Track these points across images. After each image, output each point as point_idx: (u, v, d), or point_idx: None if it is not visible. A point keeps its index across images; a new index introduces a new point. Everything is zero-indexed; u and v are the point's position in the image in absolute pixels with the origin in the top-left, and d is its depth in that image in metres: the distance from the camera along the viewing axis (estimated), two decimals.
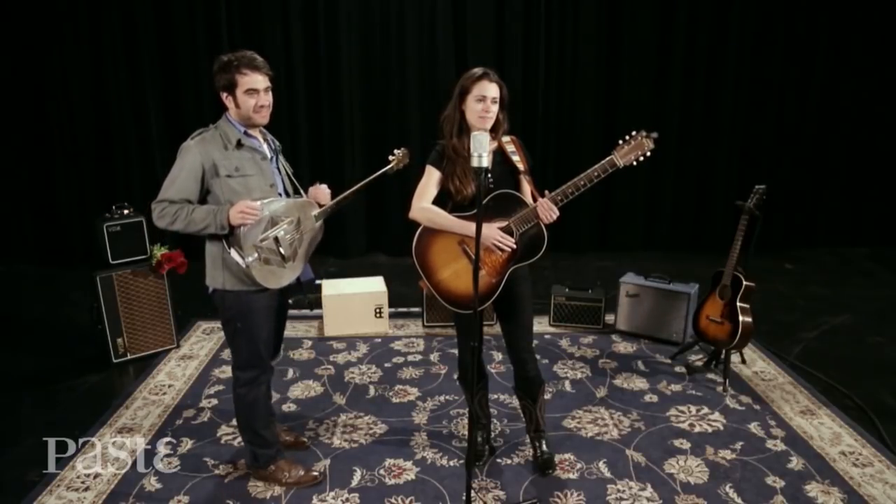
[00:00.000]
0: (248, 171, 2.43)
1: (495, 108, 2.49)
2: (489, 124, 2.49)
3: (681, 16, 5.53)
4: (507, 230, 2.50)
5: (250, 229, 2.38)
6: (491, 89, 2.46)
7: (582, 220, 5.80)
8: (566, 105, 5.69)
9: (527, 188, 2.57)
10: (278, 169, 2.58)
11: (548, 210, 2.44)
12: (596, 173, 2.47)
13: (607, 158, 2.49)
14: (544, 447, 2.86)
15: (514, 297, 2.64)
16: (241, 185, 2.41)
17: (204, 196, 2.43)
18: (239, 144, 2.43)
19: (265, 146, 2.52)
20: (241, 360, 2.58)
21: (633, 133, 2.50)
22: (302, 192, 2.65)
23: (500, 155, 2.58)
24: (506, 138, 2.60)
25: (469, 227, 2.46)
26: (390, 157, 2.82)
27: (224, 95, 2.41)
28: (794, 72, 5.68)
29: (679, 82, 5.66)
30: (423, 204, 2.54)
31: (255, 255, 2.40)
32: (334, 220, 5.44)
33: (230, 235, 2.38)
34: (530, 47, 5.54)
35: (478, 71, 2.50)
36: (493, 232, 2.45)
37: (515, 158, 2.57)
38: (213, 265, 2.49)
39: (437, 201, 2.59)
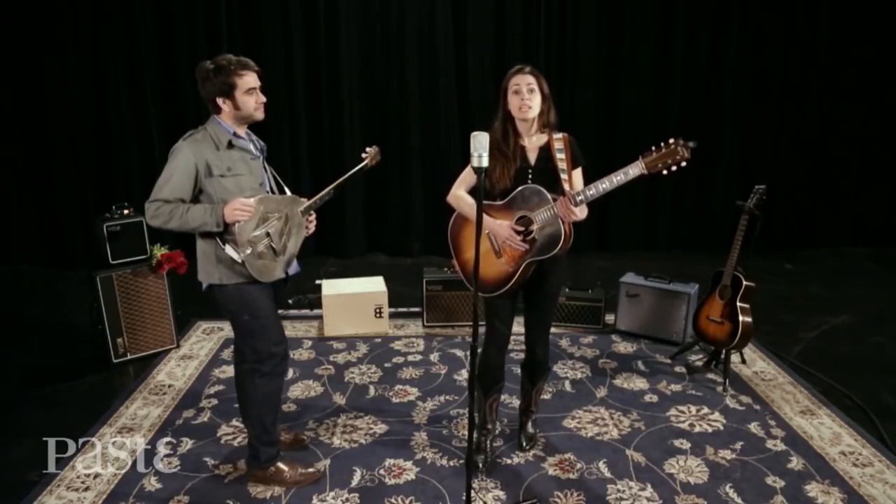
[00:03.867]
0: (240, 170, 2.51)
1: (533, 98, 2.55)
2: (530, 114, 2.56)
3: (681, 15, 5.53)
4: (526, 221, 2.57)
5: (244, 225, 2.45)
6: (524, 79, 2.56)
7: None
8: (566, 105, 5.68)
9: (564, 187, 2.57)
10: (265, 168, 2.64)
11: (566, 210, 2.47)
12: (618, 178, 2.42)
13: (632, 163, 2.40)
14: (529, 427, 3.01)
15: (542, 290, 2.74)
16: (234, 184, 2.48)
17: (196, 195, 2.48)
18: (230, 145, 2.50)
19: (251, 146, 2.60)
20: (260, 352, 2.60)
21: (670, 140, 2.36)
22: (286, 189, 2.71)
23: (545, 151, 2.63)
24: (557, 135, 2.64)
25: (487, 223, 2.61)
26: (363, 155, 2.92)
27: (220, 100, 2.47)
28: (794, 71, 5.68)
29: (679, 82, 5.66)
30: (459, 192, 2.70)
31: (250, 249, 2.47)
32: (334, 220, 5.55)
33: (225, 232, 2.45)
34: (530, 47, 5.54)
35: (514, 67, 2.62)
36: (504, 231, 2.56)
37: (560, 156, 2.61)
38: (207, 261, 2.54)
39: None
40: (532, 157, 2.63)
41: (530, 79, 2.56)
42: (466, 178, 2.71)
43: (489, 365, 2.76)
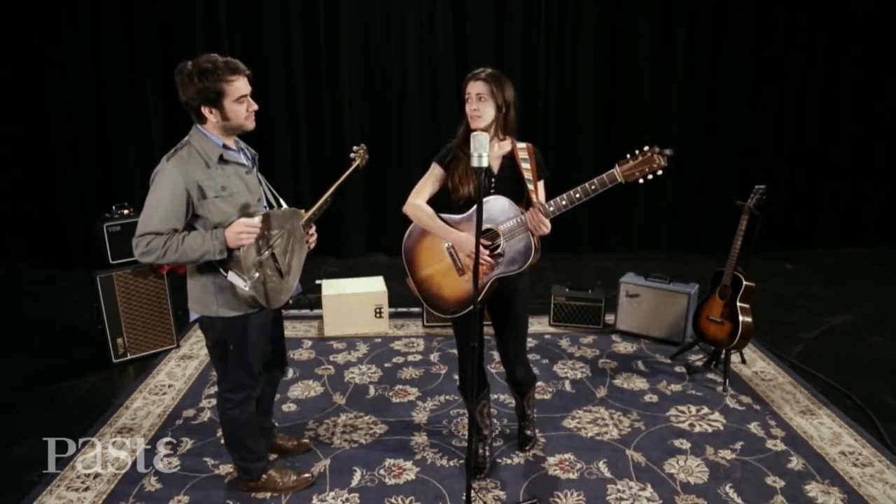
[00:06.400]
0: (235, 188, 2.26)
1: (482, 106, 2.41)
2: (480, 123, 2.42)
3: (681, 16, 5.53)
4: (492, 235, 2.45)
5: (249, 248, 2.22)
6: (473, 86, 2.42)
7: (582, 220, 5.79)
8: (566, 105, 5.69)
9: (532, 198, 2.47)
10: (259, 180, 2.42)
11: (537, 222, 2.36)
12: (593, 187, 2.34)
13: (608, 172, 2.33)
14: (527, 430, 2.98)
15: (511, 310, 2.62)
16: (231, 205, 2.24)
17: (188, 222, 2.22)
18: (221, 160, 2.24)
19: (242, 157, 2.36)
20: (233, 383, 2.45)
21: (645, 148, 2.30)
22: (282, 201, 2.51)
23: (509, 160, 2.52)
24: (521, 145, 2.53)
25: (452, 234, 2.47)
26: (352, 156, 2.80)
27: (206, 109, 2.18)
28: (794, 71, 5.68)
29: (679, 82, 5.66)
30: (417, 201, 2.54)
31: (257, 274, 2.25)
32: (334, 220, 5.55)
33: (228, 259, 2.21)
34: (530, 47, 5.54)
35: (471, 71, 2.48)
36: (470, 244, 2.37)
37: (525, 166, 2.48)
38: (204, 291, 2.31)
39: (435, 201, 2.57)
40: (494, 165, 2.50)
41: (480, 87, 2.40)
42: (425, 186, 2.54)
43: (470, 377, 2.61)
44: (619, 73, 5.65)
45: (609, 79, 5.67)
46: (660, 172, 2.29)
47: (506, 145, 2.53)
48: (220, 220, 2.22)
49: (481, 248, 2.36)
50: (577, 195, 2.36)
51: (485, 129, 2.43)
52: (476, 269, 2.16)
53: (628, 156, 2.32)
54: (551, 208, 2.38)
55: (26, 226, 5.57)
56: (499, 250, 2.45)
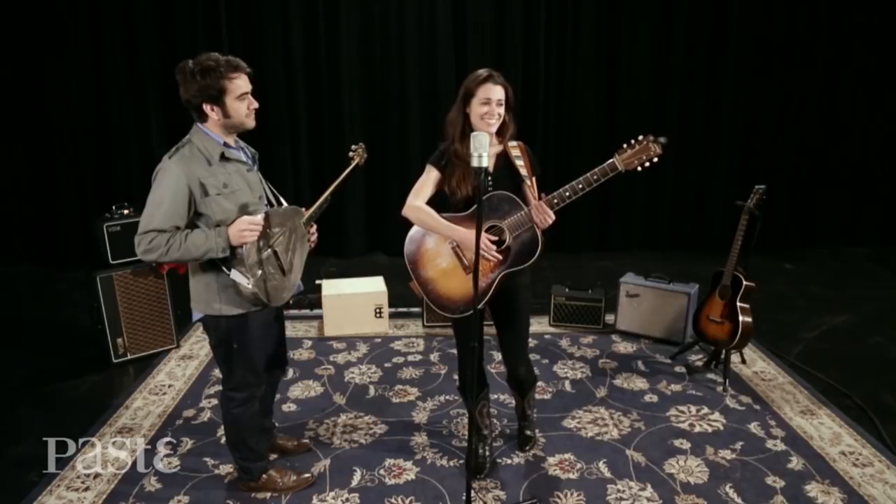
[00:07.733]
0: (237, 185, 2.28)
1: (500, 111, 2.45)
2: (494, 127, 2.46)
3: (681, 16, 5.53)
4: (497, 231, 2.46)
5: (251, 246, 2.22)
6: (496, 91, 2.43)
7: (581, 220, 5.80)
8: (566, 105, 5.69)
9: (528, 194, 2.50)
10: (259, 178, 2.44)
11: (542, 213, 2.38)
12: (595, 177, 2.39)
13: (608, 162, 2.41)
14: (527, 431, 2.97)
15: (513, 307, 2.63)
16: (232, 202, 2.25)
17: (190, 220, 2.23)
18: (222, 157, 2.26)
19: (242, 155, 2.38)
20: (237, 382, 2.46)
21: (640, 137, 2.40)
22: (282, 199, 2.52)
23: (503, 159, 2.54)
24: (513, 143, 2.55)
25: (456, 232, 2.47)
26: (350, 154, 2.82)
27: (207, 107, 2.20)
28: (794, 72, 5.68)
29: (679, 82, 5.66)
30: (417, 203, 2.53)
31: (260, 272, 2.25)
32: (334, 220, 5.55)
33: (231, 257, 2.22)
34: (530, 47, 5.54)
35: (483, 73, 2.46)
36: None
37: (519, 163, 2.51)
38: (207, 290, 2.32)
39: (434, 202, 2.57)
40: (490, 164, 2.49)
41: (501, 92, 2.43)
42: (424, 188, 2.53)
43: (470, 377, 2.59)
44: (619, 72, 5.65)
45: (609, 79, 5.67)
46: (655, 160, 2.39)
47: (498, 144, 2.55)
48: (222, 218, 2.23)
49: (489, 244, 2.41)
50: (580, 185, 2.41)
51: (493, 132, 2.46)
52: (476, 269, 2.16)
53: (625, 145, 2.41)
54: (555, 200, 2.41)
55: (26, 226, 5.57)
56: (505, 245, 2.46)
